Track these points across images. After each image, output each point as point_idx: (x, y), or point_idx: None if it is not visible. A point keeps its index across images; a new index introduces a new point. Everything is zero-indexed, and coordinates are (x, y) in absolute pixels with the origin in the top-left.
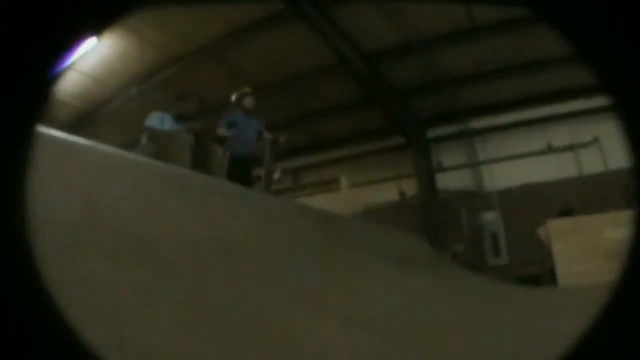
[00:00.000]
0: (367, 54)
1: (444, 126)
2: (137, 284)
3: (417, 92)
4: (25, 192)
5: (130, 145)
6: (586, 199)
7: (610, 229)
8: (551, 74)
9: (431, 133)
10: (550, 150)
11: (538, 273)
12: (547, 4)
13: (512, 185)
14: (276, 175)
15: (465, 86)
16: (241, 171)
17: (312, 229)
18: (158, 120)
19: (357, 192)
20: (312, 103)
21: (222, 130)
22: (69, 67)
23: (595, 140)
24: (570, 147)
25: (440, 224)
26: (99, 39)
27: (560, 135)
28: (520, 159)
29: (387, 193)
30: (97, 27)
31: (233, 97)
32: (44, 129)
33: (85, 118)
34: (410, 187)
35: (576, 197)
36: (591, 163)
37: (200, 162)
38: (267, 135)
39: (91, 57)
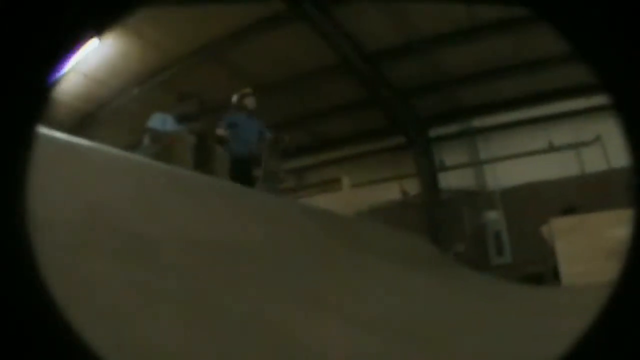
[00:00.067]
0: (368, 54)
1: (445, 125)
2: (137, 284)
3: (418, 92)
4: (25, 192)
5: (132, 146)
6: (589, 197)
7: (613, 227)
8: (553, 73)
9: (433, 132)
10: (552, 148)
11: (541, 272)
12: (547, 3)
13: (514, 184)
14: (281, 175)
15: (467, 85)
16: (242, 171)
17: (315, 229)
18: (160, 121)
19: (358, 192)
20: (313, 103)
21: (221, 131)
22: (70, 68)
23: (598, 139)
24: (573, 146)
25: (442, 223)
26: (100, 40)
27: (562, 133)
28: (522, 157)
29: (389, 193)
30: (98, 27)
31: (234, 98)
32: (46, 131)
33: (87, 119)
34: (412, 187)
35: (579, 196)
36: (593, 161)
37: (202, 162)
38: (268, 135)
39: (92, 58)
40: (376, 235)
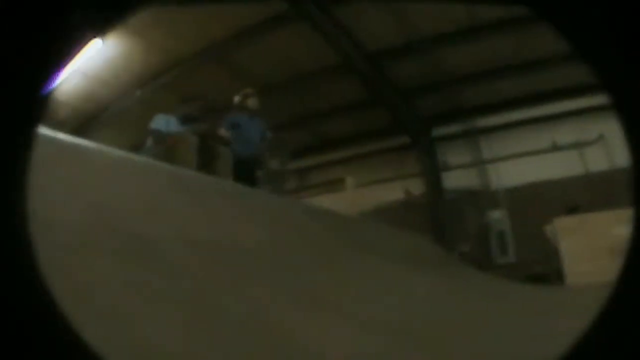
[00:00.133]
0: (370, 54)
1: (448, 125)
2: (136, 284)
3: (420, 92)
4: (25, 192)
5: (136, 147)
6: (592, 196)
7: (617, 226)
8: (555, 72)
9: (436, 132)
10: (555, 148)
11: (545, 271)
12: (547, 3)
13: (518, 184)
14: (286, 175)
15: (468, 85)
16: (245, 172)
17: (317, 229)
18: (163, 123)
19: (362, 192)
20: (316, 103)
21: (222, 132)
22: (72, 69)
23: (601, 138)
24: (576, 145)
25: (446, 223)
26: (103, 41)
27: (565, 133)
28: (525, 157)
29: (393, 192)
30: (100, 28)
31: (236, 99)
32: (49, 132)
33: (90, 120)
34: (416, 187)
35: (582, 195)
36: (597, 161)
37: (206, 163)
38: (269, 135)
39: (95, 59)
40: (380, 236)
